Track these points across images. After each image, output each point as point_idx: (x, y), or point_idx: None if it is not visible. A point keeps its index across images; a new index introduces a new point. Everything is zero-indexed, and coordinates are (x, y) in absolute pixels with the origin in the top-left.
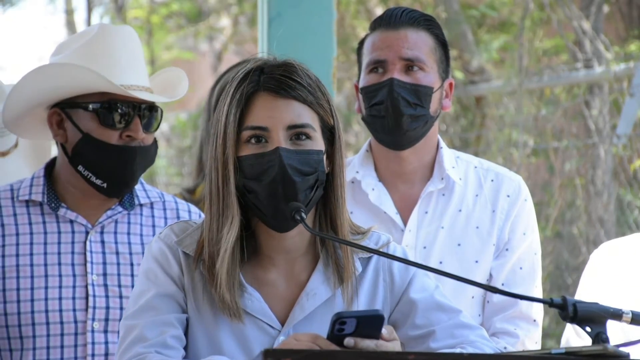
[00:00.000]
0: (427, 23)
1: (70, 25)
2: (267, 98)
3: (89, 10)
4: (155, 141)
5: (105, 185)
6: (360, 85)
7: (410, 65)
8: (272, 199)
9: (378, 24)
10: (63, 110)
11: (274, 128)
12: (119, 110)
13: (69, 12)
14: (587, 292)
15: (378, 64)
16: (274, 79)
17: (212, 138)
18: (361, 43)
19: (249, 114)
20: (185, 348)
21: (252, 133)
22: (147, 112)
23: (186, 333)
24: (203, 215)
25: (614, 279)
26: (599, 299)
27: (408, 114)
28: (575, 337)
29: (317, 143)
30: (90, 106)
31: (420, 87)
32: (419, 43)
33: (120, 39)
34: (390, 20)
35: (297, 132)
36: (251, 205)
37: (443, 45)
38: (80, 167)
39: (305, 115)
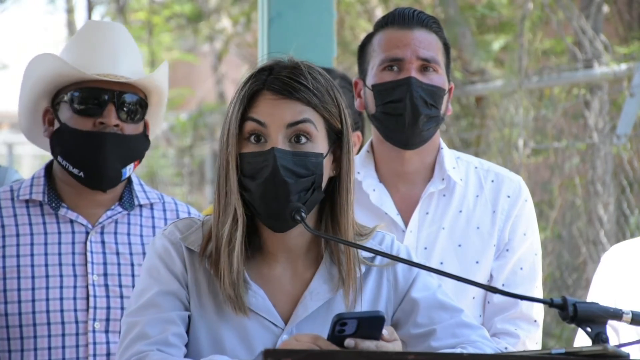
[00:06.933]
0: (436, 26)
1: (71, 24)
2: (271, 97)
3: (90, 9)
4: (144, 135)
5: (82, 174)
6: (372, 82)
7: (426, 65)
8: (264, 198)
9: (389, 22)
10: (53, 108)
11: (273, 126)
12: (91, 98)
13: (70, 12)
14: (600, 294)
15: (394, 61)
16: (280, 80)
17: (220, 133)
18: (367, 40)
19: (251, 110)
20: (187, 346)
21: (252, 127)
22: (127, 102)
23: (188, 331)
24: (202, 216)
25: (628, 280)
26: (612, 300)
27: (425, 114)
28: None
29: (318, 145)
30: (66, 97)
31: (435, 88)
32: (432, 44)
33: (102, 33)
34: (404, 20)
35: (298, 130)
36: (248, 203)
37: (447, 49)
38: (59, 158)
39: (307, 113)
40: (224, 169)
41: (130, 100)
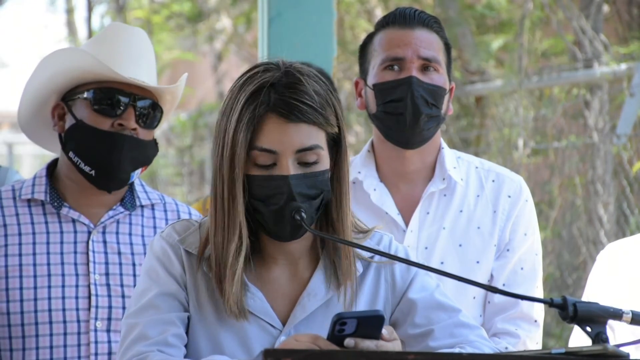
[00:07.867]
0: (437, 26)
1: (71, 24)
2: (278, 121)
3: (89, 9)
4: (154, 141)
5: (93, 172)
6: (373, 81)
7: (426, 65)
8: (279, 223)
9: (390, 21)
10: (66, 103)
11: (284, 152)
12: (113, 98)
13: (70, 11)
14: (595, 293)
15: (395, 61)
16: (285, 102)
17: (216, 151)
18: (369, 39)
19: (258, 135)
20: (186, 347)
21: (262, 155)
22: (145, 107)
23: (187, 332)
24: (201, 216)
25: (623, 279)
26: (608, 299)
27: (426, 113)
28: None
29: (324, 162)
30: (86, 94)
31: (436, 88)
32: (433, 44)
33: (127, 36)
34: (405, 19)
35: (307, 154)
36: (257, 221)
37: (448, 49)
38: (71, 154)
39: (314, 136)
40: (229, 188)
41: (148, 105)
